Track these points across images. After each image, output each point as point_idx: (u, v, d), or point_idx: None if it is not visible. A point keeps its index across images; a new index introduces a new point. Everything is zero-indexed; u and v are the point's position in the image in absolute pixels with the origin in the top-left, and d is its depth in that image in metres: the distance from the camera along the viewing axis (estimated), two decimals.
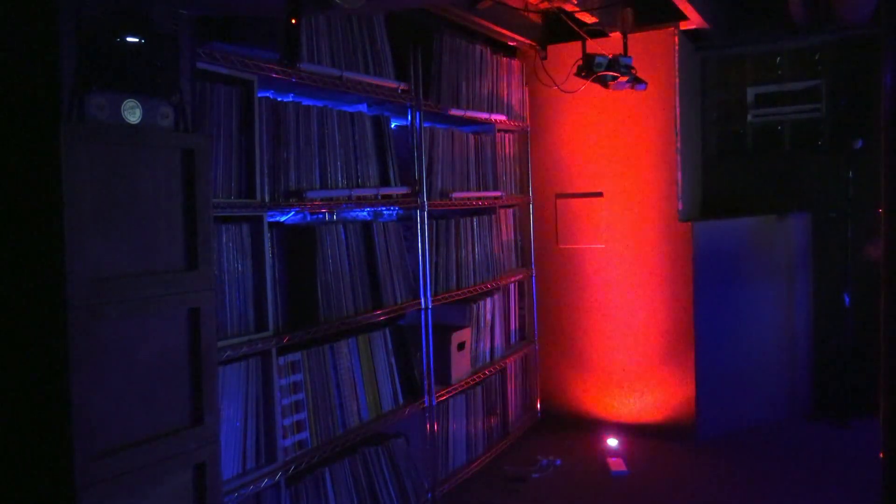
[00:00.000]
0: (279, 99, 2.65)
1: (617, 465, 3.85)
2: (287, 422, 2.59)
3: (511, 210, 4.38)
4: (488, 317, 3.98)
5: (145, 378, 1.79)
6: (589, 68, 3.54)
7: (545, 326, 4.60)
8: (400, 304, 3.20)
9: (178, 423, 1.87)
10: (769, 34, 4.73)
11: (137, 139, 1.79)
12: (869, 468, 3.63)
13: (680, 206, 4.22)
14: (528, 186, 4.55)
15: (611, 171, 4.38)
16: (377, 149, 3.11)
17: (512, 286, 4.35)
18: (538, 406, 4.59)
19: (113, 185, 1.72)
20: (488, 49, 3.99)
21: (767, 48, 4.79)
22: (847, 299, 4.35)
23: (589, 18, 3.96)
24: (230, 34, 2.54)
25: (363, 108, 3.17)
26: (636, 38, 4.08)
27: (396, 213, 3.40)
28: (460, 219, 3.71)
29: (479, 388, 3.87)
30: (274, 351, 2.50)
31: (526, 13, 4.14)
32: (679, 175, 4.21)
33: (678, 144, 4.21)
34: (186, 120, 1.92)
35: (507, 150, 4.32)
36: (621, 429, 4.31)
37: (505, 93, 4.22)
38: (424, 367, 3.35)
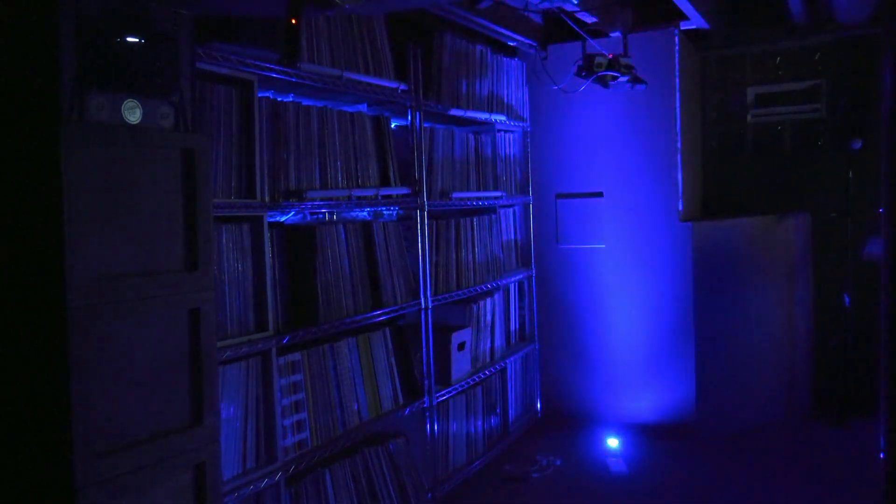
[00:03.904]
0: (279, 99, 2.65)
1: (617, 465, 3.85)
2: (287, 422, 2.59)
3: (511, 210, 4.38)
4: (488, 317, 3.98)
5: (145, 378, 1.79)
6: (589, 68, 3.54)
7: (545, 326, 4.60)
8: (400, 304, 3.20)
9: (178, 423, 1.87)
10: (769, 34, 4.72)
11: (137, 139, 1.79)
12: (869, 468, 3.63)
13: (680, 206, 4.22)
14: (528, 186, 4.55)
15: (611, 171, 4.38)
16: (377, 149, 3.11)
17: (512, 286, 4.34)
18: (538, 406, 4.59)
19: (113, 184, 1.72)
20: (488, 49, 3.99)
21: (767, 48, 4.78)
22: (847, 299, 4.35)
23: (589, 18, 3.96)
24: (230, 34, 2.53)
25: (363, 108, 3.17)
26: (636, 38, 4.07)
27: (396, 213, 3.40)
28: (460, 219, 3.71)
29: (479, 389, 3.87)
30: (274, 351, 2.50)
31: (526, 13, 4.14)
32: (679, 175, 4.21)
33: (678, 144, 4.21)
34: (186, 120, 1.92)
35: (507, 150, 4.32)
36: (621, 428, 4.31)
37: (505, 93, 4.22)
38: (424, 367, 3.35)
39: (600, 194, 4.42)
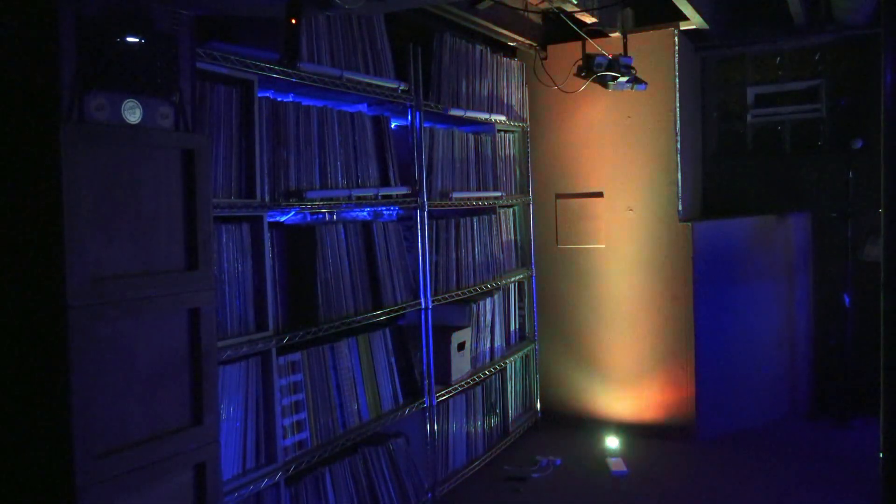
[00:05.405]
0: (279, 99, 2.65)
1: (617, 465, 3.85)
2: (287, 422, 2.59)
3: (511, 210, 4.38)
4: (488, 317, 3.98)
5: (145, 378, 1.79)
6: (589, 68, 3.54)
7: (545, 326, 4.60)
8: (400, 304, 3.20)
9: (178, 423, 1.87)
10: (769, 34, 4.72)
11: (137, 139, 1.79)
12: (869, 468, 3.63)
13: (680, 206, 4.22)
14: (528, 186, 4.55)
15: (611, 171, 4.38)
16: (377, 149, 3.11)
17: (512, 286, 4.34)
18: (538, 406, 4.59)
19: (113, 185, 1.72)
20: (488, 49, 3.99)
21: (767, 48, 4.79)
22: (847, 299, 4.35)
23: (589, 18, 3.96)
24: (230, 34, 2.54)
25: (363, 108, 3.17)
26: (636, 38, 4.07)
27: (396, 213, 3.40)
28: (460, 219, 3.71)
29: (479, 388, 3.87)
30: (274, 351, 2.50)
31: (526, 13, 4.13)
32: (679, 175, 4.21)
33: (678, 144, 4.21)
34: (186, 120, 1.92)
35: (507, 150, 4.32)
36: (621, 429, 4.31)
37: (505, 93, 4.21)
38: (424, 367, 3.35)
39: (600, 194, 4.42)
